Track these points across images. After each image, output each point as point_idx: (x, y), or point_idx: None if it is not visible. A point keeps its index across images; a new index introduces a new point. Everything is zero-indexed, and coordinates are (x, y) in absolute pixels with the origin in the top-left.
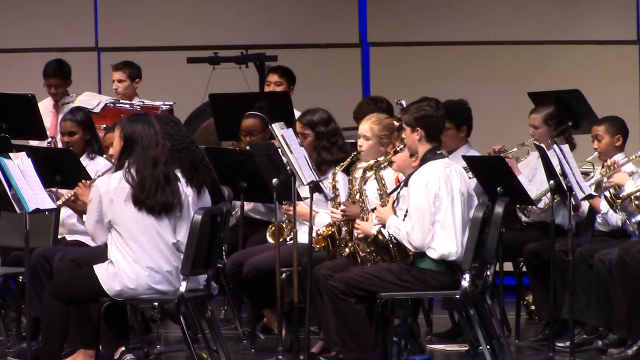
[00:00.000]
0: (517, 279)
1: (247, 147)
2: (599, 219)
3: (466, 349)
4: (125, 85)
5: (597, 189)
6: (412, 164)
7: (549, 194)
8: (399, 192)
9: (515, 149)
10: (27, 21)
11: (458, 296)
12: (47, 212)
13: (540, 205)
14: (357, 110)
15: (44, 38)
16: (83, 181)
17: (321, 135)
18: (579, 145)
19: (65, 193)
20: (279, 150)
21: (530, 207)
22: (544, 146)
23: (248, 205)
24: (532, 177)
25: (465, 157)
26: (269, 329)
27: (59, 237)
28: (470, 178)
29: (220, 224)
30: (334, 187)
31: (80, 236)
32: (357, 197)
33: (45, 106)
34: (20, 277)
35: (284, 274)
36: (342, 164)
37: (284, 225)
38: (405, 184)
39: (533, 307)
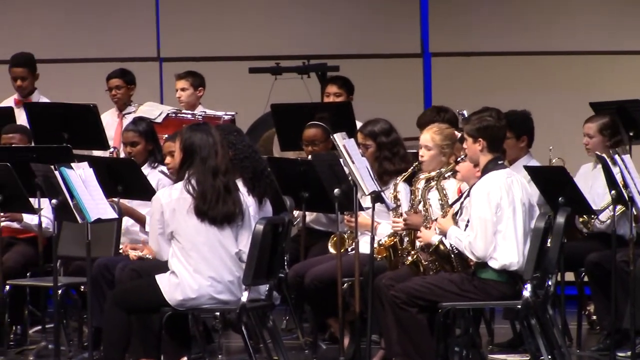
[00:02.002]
0: (579, 289)
1: (309, 157)
2: None
3: (527, 359)
4: (188, 93)
5: None
6: (476, 173)
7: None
8: (462, 203)
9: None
10: (89, 32)
11: (519, 306)
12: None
13: (602, 217)
14: (420, 118)
15: (107, 48)
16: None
17: (382, 146)
18: (638, 156)
19: (132, 255)
20: (341, 160)
21: (592, 221)
22: (605, 156)
23: (310, 217)
24: (589, 189)
25: (526, 167)
26: (336, 338)
27: (121, 246)
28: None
29: (282, 234)
30: (396, 198)
31: None
32: (420, 207)
33: (110, 116)
34: (82, 287)
35: (345, 284)
36: (403, 174)
37: (346, 236)
38: (468, 194)
39: (594, 317)
